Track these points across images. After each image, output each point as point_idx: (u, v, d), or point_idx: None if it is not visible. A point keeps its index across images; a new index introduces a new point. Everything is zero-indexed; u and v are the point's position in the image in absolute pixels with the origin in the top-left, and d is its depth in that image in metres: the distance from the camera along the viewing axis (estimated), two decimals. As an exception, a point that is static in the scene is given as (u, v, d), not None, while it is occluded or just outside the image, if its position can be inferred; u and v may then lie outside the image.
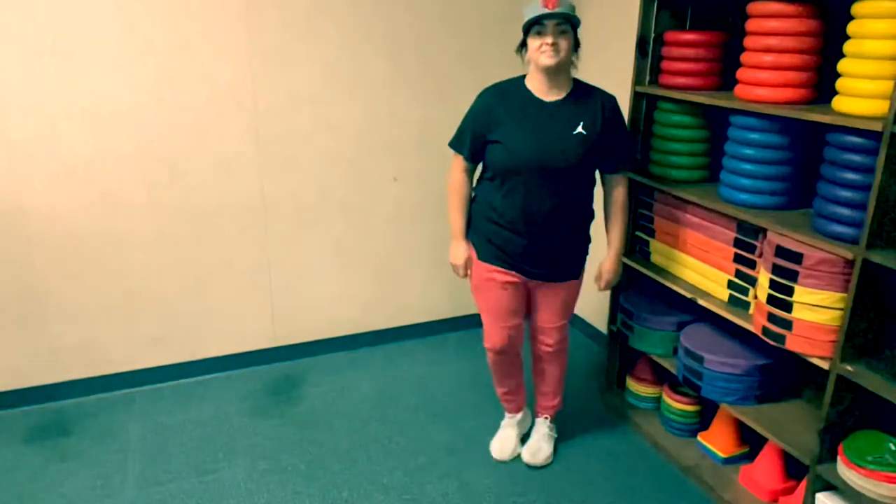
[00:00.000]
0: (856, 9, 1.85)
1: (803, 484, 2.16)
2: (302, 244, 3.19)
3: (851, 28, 1.87)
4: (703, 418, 2.70)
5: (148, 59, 2.72)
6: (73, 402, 2.96)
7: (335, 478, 2.51)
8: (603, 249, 2.47)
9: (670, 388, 2.73)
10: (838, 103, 1.90)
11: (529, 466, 2.58)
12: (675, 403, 2.69)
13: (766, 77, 2.09)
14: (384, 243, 3.36)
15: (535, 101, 2.18)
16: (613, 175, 2.32)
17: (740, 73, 2.20)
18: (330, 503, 2.39)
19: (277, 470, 2.55)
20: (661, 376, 2.85)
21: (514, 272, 2.32)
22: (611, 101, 2.23)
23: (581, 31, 3.52)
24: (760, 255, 2.19)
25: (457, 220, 2.37)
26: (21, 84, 2.58)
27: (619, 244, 2.41)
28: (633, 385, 2.92)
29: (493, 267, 2.32)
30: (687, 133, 2.50)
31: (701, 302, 2.41)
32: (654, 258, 2.70)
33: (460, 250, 2.38)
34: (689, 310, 2.66)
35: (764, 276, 2.12)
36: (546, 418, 2.67)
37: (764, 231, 2.15)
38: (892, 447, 1.91)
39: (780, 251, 2.02)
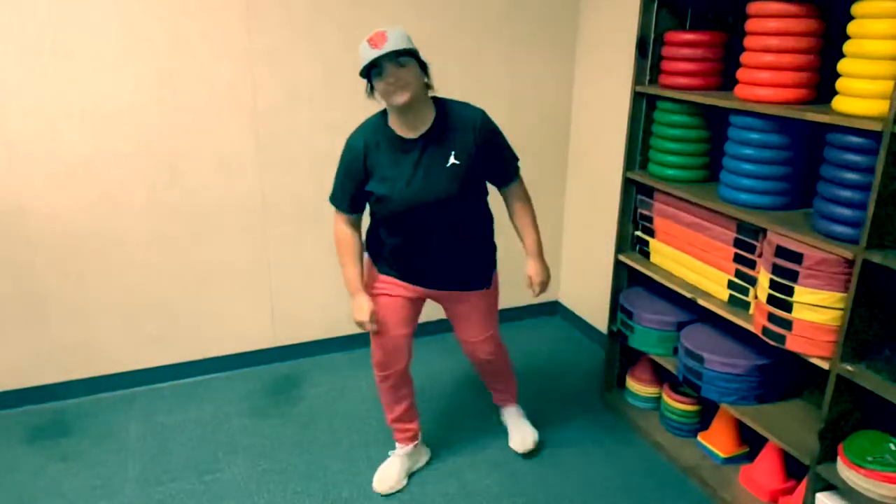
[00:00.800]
0: (856, 9, 1.85)
1: (803, 484, 2.16)
2: (302, 244, 3.19)
3: (851, 28, 1.86)
4: (703, 418, 2.70)
5: (148, 59, 2.72)
6: (73, 402, 2.96)
7: (335, 478, 2.51)
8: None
9: (670, 388, 2.73)
10: (838, 103, 1.90)
11: (525, 455, 2.61)
12: (675, 403, 2.69)
13: (766, 77, 2.09)
14: (384, 243, 3.36)
15: (403, 141, 2.07)
16: (503, 185, 2.25)
17: (740, 73, 2.20)
18: (330, 503, 2.39)
19: (277, 470, 2.55)
20: (661, 376, 2.86)
21: (414, 286, 2.27)
22: (479, 117, 2.11)
23: (581, 31, 3.52)
24: (760, 255, 2.19)
25: (350, 274, 2.22)
26: (21, 84, 2.58)
27: (537, 247, 2.32)
28: (633, 385, 2.92)
29: (391, 279, 2.26)
30: (687, 133, 2.50)
31: (701, 302, 2.41)
32: (654, 258, 2.71)
33: (362, 304, 2.19)
34: (689, 310, 2.66)
35: (764, 276, 2.12)
36: (509, 406, 2.72)
37: (764, 231, 2.15)
38: (892, 447, 1.91)
39: (780, 251, 2.02)
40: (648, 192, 2.66)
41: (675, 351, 2.62)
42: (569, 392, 3.11)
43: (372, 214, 2.25)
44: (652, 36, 2.53)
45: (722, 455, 2.54)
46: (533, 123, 3.48)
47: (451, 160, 2.07)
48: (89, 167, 2.75)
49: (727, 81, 2.43)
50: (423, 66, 2.02)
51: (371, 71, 1.96)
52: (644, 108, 2.63)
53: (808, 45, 2.05)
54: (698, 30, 2.52)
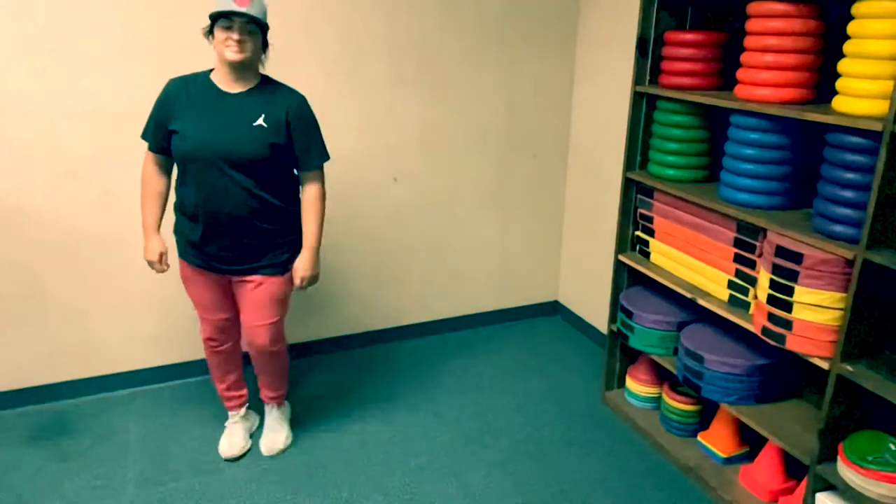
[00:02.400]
0: (856, 9, 1.85)
1: (803, 484, 2.16)
2: (302, 244, 3.19)
3: (851, 28, 1.87)
4: (703, 418, 2.70)
5: (148, 59, 2.72)
6: (73, 402, 2.96)
7: (335, 478, 2.51)
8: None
9: (670, 388, 2.73)
10: (838, 103, 1.91)
11: (272, 458, 2.59)
12: (675, 403, 2.69)
13: (766, 77, 2.09)
14: (383, 243, 3.36)
15: (217, 91, 2.17)
16: (303, 173, 2.31)
17: (740, 73, 2.20)
18: (330, 503, 2.39)
19: (277, 470, 2.55)
20: (661, 376, 2.86)
21: (206, 269, 2.32)
22: (297, 99, 2.23)
23: (581, 31, 3.52)
24: (760, 255, 2.19)
25: (146, 213, 2.31)
26: (21, 84, 2.58)
27: (314, 241, 2.34)
28: (633, 385, 2.92)
29: (188, 263, 2.34)
30: (687, 133, 2.50)
31: (701, 302, 2.41)
32: (654, 258, 2.71)
33: (153, 245, 2.32)
34: (690, 310, 2.66)
35: (764, 276, 2.12)
36: (273, 406, 2.69)
37: (764, 231, 2.15)
38: (892, 447, 1.91)
39: (780, 251, 2.02)
40: (648, 192, 2.67)
41: (675, 351, 2.62)
42: (569, 392, 3.11)
43: (177, 177, 2.28)
44: (652, 36, 2.53)
45: (722, 455, 2.54)
46: (533, 123, 3.48)
47: (259, 121, 2.15)
48: (89, 167, 2.75)
49: (727, 81, 2.43)
50: (265, 45, 2.19)
51: (219, 19, 2.07)
52: (644, 108, 2.63)
53: (808, 45, 2.05)
54: (698, 30, 2.52)
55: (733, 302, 2.34)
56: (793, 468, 2.33)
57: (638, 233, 2.79)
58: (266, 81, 2.23)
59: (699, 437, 2.65)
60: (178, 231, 2.35)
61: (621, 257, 2.82)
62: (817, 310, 1.97)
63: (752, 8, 2.13)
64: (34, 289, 2.81)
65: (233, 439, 2.63)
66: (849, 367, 1.90)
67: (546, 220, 3.70)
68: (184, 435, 2.75)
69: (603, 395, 3.03)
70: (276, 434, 2.66)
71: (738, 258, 2.28)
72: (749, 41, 2.15)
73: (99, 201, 2.80)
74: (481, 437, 2.76)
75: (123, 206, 2.84)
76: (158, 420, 2.85)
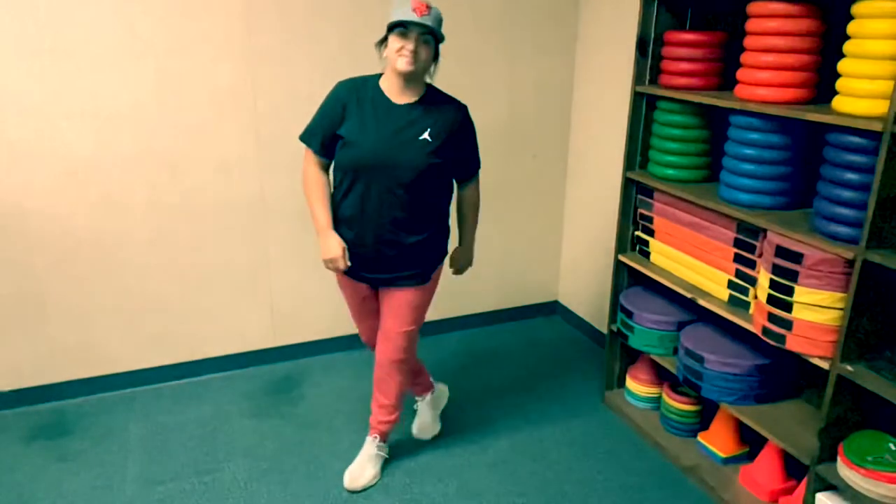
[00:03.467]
0: (856, 9, 1.85)
1: (803, 484, 2.16)
2: (302, 244, 3.19)
3: (851, 28, 1.87)
4: (703, 418, 2.70)
5: (148, 59, 2.72)
6: (73, 402, 2.96)
7: (335, 478, 2.51)
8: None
9: (670, 388, 2.73)
10: (838, 103, 1.91)
11: (350, 491, 2.45)
12: (675, 403, 2.69)
13: (767, 77, 2.09)
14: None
15: (386, 102, 2.16)
16: (463, 180, 2.36)
17: (740, 73, 2.20)
18: (330, 503, 2.39)
19: (277, 470, 2.55)
20: (661, 376, 2.86)
21: (358, 282, 2.34)
22: (461, 111, 2.24)
23: (581, 31, 3.52)
24: (760, 255, 2.19)
25: (319, 213, 2.24)
26: (21, 84, 2.58)
27: (471, 238, 2.49)
28: (633, 385, 2.92)
29: (344, 279, 2.37)
30: (687, 133, 2.50)
31: (701, 302, 2.41)
32: (654, 258, 2.71)
33: (332, 242, 2.22)
34: (690, 310, 2.66)
35: (764, 276, 2.12)
36: (376, 437, 2.54)
37: (764, 231, 2.15)
38: (892, 447, 1.91)
39: (780, 251, 2.02)
40: (648, 192, 2.67)
41: (675, 351, 2.62)
42: (569, 392, 3.11)
43: (335, 171, 2.26)
44: (652, 36, 2.53)
45: (722, 455, 2.54)
46: (533, 123, 3.48)
47: (425, 136, 2.15)
48: (89, 167, 2.75)
49: (727, 81, 2.43)
50: (436, 56, 2.17)
51: (395, 28, 2.07)
52: (644, 108, 2.63)
53: (808, 45, 2.05)
54: (698, 30, 2.52)
55: (733, 302, 2.34)
56: (793, 468, 2.33)
57: (638, 233, 2.79)
58: (432, 92, 2.22)
59: (699, 437, 2.65)
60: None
61: (621, 257, 2.82)
62: (817, 310, 1.97)
63: (752, 8, 2.13)
64: (35, 289, 2.81)
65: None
66: (849, 367, 1.90)
67: (546, 220, 3.70)
68: (184, 435, 2.75)
69: (603, 395, 3.03)
70: (362, 472, 2.49)
71: (738, 258, 2.28)
72: (749, 41, 2.15)
73: (99, 201, 2.80)
74: (481, 438, 2.76)
75: (124, 207, 2.84)
76: (158, 420, 2.85)
